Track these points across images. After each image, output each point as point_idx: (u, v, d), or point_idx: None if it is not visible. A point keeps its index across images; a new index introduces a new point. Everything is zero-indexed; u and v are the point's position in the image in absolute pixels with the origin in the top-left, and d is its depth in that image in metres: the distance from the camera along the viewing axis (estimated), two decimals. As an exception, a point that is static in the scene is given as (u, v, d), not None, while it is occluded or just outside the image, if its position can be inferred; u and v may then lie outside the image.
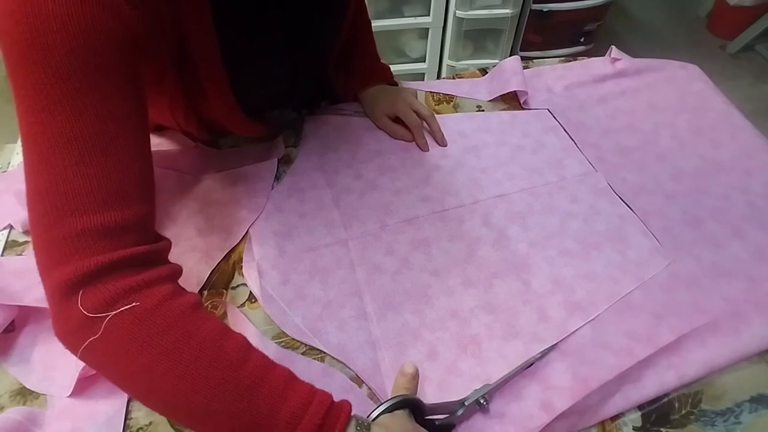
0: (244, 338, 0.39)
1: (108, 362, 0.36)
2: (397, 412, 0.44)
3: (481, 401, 0.48)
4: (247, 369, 0.37)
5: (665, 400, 0.52)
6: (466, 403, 0.48)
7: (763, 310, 0.58)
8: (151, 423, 0.51)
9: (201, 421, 0.36)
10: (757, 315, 0.57)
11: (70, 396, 0.52)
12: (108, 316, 0.34)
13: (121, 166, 0.38)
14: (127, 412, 0.51)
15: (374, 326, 0.57)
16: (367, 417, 0.42)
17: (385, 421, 0.42)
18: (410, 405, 0.45)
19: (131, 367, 0.35)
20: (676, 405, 0.52)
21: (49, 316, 0.37)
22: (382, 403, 0.44)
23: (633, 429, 0.51)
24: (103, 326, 0.34)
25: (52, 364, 0.54)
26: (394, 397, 0.44)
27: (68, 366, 0.53)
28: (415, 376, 0.47)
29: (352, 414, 0.40)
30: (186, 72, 0.54)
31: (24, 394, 0.53)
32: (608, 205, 0.68)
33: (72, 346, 0.36)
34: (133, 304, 0.35)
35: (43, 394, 0.53)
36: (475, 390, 0.49)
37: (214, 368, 0.35)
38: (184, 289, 0.40)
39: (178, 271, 0.41)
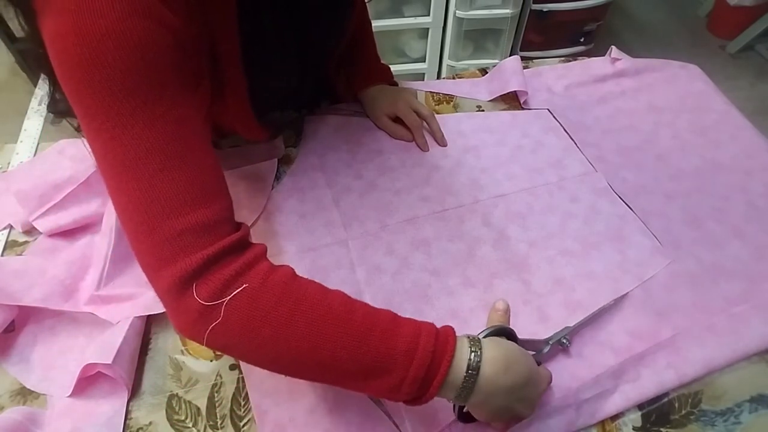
0: (343, 292, 0.43)
1: (233, 342, 0.40)
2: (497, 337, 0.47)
3: (564, 341, 0.54)
4: (356, 318, 0.41)
5: (665, 400, 0.52)
6: (550, 342, 0.53)
7: (763, 310, 0.58)
8: (151, 423, 0.51)
9: (330, 371, 0.40)
10: (757, 315, 0.57)
11: (70, 396, 0.52)
12: (224, 301, 0.38)
13: (200, 166, 0.40)
14: (127, 412, 0.51)
15: (374, 326, 0.57)
16: None
17: (494, 339, 0.46)
18: (506, 334, 0.49)
19: (255, 341, 0.39)
20: (676, 405, 0.52)
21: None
22: (481, 332, 0.47)
23: (633, 429, 0.51)
24: (222, 310, 0.38)
25: (52, 364, 0.54)
26: (492, 326, 0.48)
27: (68, 366, 0.53)
28: (507, 311, 0.52)
29: (458, 335, 0.43)
30: (212, 77, 0.54)
31: (24, 394, 0.53)
32: (608, 205, 0.68)
33: (196, 335, 0.39)
34: (243, 285, 0.38)
35: (43, 394, 0.53)
36: (557, 332, 0.55)
37: (328, 325, 0.39)
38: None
39: (265, 248, 0.43)
